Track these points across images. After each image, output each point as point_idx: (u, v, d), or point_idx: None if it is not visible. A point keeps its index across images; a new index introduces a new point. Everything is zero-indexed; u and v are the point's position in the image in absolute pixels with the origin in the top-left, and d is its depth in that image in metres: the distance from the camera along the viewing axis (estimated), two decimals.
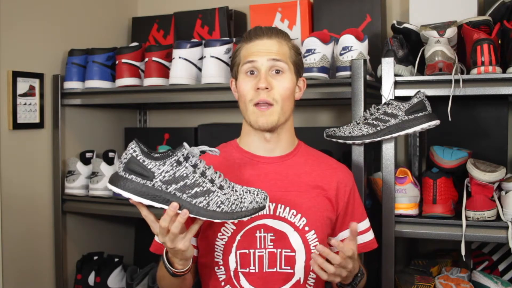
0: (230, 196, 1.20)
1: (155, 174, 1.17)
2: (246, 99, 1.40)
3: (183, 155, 1.19)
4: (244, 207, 1.20)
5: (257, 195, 1.23)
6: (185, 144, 1.20)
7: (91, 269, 2.21)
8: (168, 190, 1.17)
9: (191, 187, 1.18)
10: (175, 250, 1.22)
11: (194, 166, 1.19)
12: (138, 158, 1.17)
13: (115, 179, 1.18)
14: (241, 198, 1.21)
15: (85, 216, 2.34)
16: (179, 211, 1.17)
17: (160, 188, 1.17)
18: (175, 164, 1.18)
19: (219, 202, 1.19)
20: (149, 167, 1.17)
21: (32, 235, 2.15)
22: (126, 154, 1.18)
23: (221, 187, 1.21)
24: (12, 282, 2.06)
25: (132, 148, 1.18)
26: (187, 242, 1.21)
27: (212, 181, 1.20)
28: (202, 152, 1.24)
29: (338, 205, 1.47)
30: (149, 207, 1.20)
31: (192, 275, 1.45)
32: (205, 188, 1.19)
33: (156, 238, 1.46)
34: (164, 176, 1.17)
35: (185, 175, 1.18)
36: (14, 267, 2.07)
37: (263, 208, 1.23)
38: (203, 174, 1.20)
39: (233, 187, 1.23)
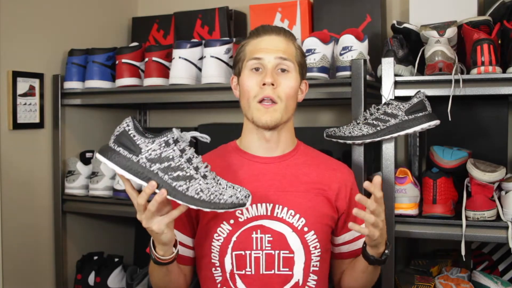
0: (212, 186, 1.21)
1: (142, 151, 1.20)
2: (250, 95, 1.39)
3: (173, 137, 1.21)
4: (222, 199, 1.21)
5: (240, 191, 1.23)
6: (174, 129, 1.23)
7: (91, 269, 2.21)
8: (152, 169, 1.20)
9: (174, 169, 1.20)
10: (150, 230, 1.24)
11: (182, 151, 1.22)
12: (129, 132, 1.21)
13: (104, 149, 1.22)
14: (222, 190, 1.22)
15: (85, 216, 2.34)
16: (157, 191, 1.19)
17: (144, 165, 1.20)
18: (163, 144, 1.20)
19: (199, 190, 1.20)
20: (138, 142, 1.20)
21: (32, 235, 2.15)
22: (119, 127, 1.22)
23: (204, 176, 1.22)
24: (12, 282, 2.06)
25: (126, 123, 1.22)
26: (162, 225, 1.22)
27: (196, 168, 1.22)
28: (193, 137, 1.27)
29: (339, 205, 1.46)
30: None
31: (182, 274, 1.44)
32: (188, 174, 1.20)
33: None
34: (150, 154, 1.20)
35: (171, 157, 1.20)
36: (14, 267, 2.07)
37: (243, 205, 1.23)
38: (189, 160, 1.22)
39: (217, 180, 1.23)
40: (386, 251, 1.36)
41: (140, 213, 1.23)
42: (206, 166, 1.24)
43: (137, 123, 1.22)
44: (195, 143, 1.31)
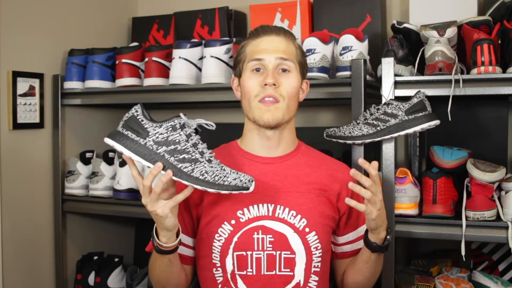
0: (216, 170, 1.24)
1: (150, 134, 1.24)
2: (251, 95, 1.39)
3: (180, 123, 1.26)
4: (227, 181, 1.24)
5: (243, 176, 1.26)
6: (181, 114, 1.27)
7: (91, 269, 2.21)
8: (158, 151, 1.23)
9: (180, 152, 1.24)
10: (154, 214, 1.25)
11: (188, 136, 1.26)
12: (138, 117, 1.25)
13: (112, 133, 1.26)
14: (226, 174, 1.25)
15: (85, 216, 2.34)
16: (163, 172, 1.21)
17: (151, 148, 1.23)
18: (170, 128, 1.25)
19: (204, 171, 1.23)
20: (145, 126, 1.25)
21: (32, 235, 2.15)
22: (128, 113, 1.27)
23: (209, 161, 1.25)
24: (12, 282, 2.06)
25: (135, 109, 1.27)
26: (166, 209, 1.24)
27: (202, 153, 1.26)
28: (199, 125, 1.31)
29: (341, 206, 1.46)
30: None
31: (184, 271, 1.44)
32: (193, 157, 1.24)
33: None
34: (157, 137, 1.24)
35: (177, 140, 1.24)
36: (14, 267, 2.07)
37: (246, 189, 1.24)
38: (194, 145, 1.26)
39: (222, 166, 1.26)
40: (388, 237, 1.39)
41: (145, 196, 1.24)
42: (211, 153, 1.27)
43: (145, 110, 1.26)
44: None
